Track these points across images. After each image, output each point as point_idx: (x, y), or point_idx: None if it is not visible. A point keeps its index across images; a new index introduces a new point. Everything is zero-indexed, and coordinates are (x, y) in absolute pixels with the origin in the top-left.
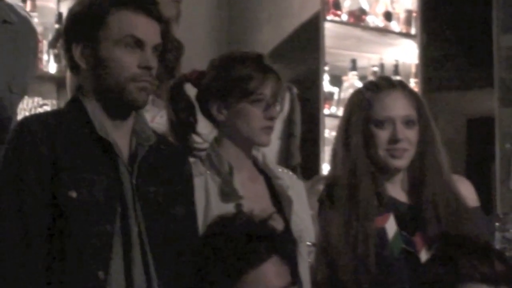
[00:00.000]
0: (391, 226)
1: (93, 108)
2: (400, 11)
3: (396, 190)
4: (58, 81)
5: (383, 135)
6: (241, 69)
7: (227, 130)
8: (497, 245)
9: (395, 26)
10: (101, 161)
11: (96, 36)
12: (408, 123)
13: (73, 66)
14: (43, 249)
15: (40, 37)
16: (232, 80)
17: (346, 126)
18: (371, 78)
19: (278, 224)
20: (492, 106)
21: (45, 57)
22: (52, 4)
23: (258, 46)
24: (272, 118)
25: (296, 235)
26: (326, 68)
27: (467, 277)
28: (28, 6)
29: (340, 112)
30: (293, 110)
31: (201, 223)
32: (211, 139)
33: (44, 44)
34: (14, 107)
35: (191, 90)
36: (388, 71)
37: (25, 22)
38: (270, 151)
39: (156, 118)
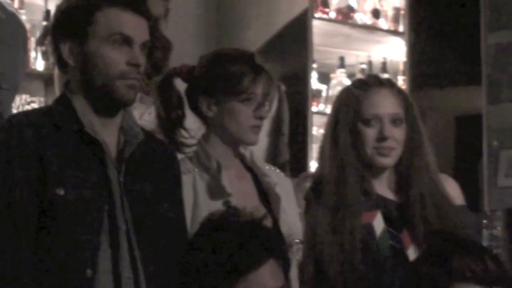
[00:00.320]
0: (378, 223)
1: (81, 106)
2: (388, 9)
3: (383, 188)
4: (46, 79)
5: (370, 133)
6: (233, 67)
7: (216, 127)
8: (485, 242)
9: (383, 23)
10: (89, 158)
11: (84, 34)
12: (395, 121)
13: (61, 64)
14: (30, 247)
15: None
16: (224, 78)
17: (334, 124)
18: (359, 75)
19: (267, 222)
20: (479, 104)
21: (32, 54)
22: (40, 1)
23: (246, 43)
24: (261, 118)
25: (284, 232)
26: (314, 65)
27: (459, 276)
28: (16, 3)
29: (328, 109)
30: (281, 108)
31: (189, 221)
32: (199, 135)
33: (32, 42)
34: (5, 103)
35: (180, 85)
36: (376, 69)
37: (13, 18)
38: (258, 149)
39: (144, 115)
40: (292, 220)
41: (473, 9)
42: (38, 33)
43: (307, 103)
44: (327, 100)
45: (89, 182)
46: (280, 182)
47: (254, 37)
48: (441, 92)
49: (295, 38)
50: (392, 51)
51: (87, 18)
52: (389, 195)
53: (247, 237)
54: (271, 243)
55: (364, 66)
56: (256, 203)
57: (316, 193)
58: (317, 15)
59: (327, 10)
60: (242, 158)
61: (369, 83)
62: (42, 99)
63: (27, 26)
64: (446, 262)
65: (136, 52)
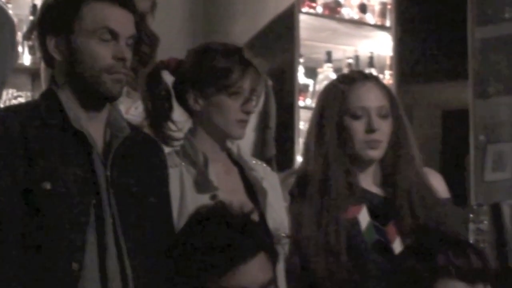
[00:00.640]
0: (363, 217)
1: (68, 100)
2: (375, 3)
3: (368, 182)
4: (32, 73)
5: (358, 126)
6: (221, 61)
7: (203, 121)
8: (471, 236)
9: (370, 18)
10: (75, 152)
11: (70, 28)
12: (382, 114)
13: (48, 58)
14: (17, 241)
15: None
16: (211, 71)
17: (319, 118)
18: (346, 70)
19: (254, 216)
20: (466, 98)
21: (19, 49)
22: None
23: (233, 38)
24: (248, 112)
25: (271, 226)
26: (301, 60)
27: (443, 273)
28: None
29: None
30: (268, 102)
31: (176, 215)
32: (186, 129)
33: (19, 36)
34: None
35: (168, 78)
36: (363, 63)
37: (1, 12)
38: (245, 143)
39: (131, 109)
40: (279, 214)
41: (460, 3)
42: (25, 28)
43: (294, 97)
44: (314, 94)
45: (76, 176)
46: (266, 176)
47: (241, 31)
48: (428, 87)
49: (282, 32)
50: (379, 46)
51: (73, 12)
52: (374, 189)
53: (237, 230)
54: (261, 237)
55: (351, 60)
56: (243, 197)
57: (300, 188)
58: (304, 9)
59: (314, 4)
60: (229, 152)
61: (354, 77)
62: (29, 93)
63: (14, 20)
64: (430, 258)
65: (122, 47)
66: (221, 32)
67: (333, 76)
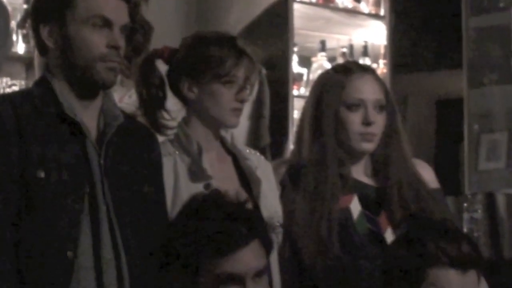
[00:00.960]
0: (355, 206)
1: (61, 88)
2: None
3: (360, 173)
4: (26, 62)
5: (355, 118)
6: (215, 50)
7: (196, 109)
8: (465, 226)
9: (364, 7)
10: (69, 141)
11: (64, 16)
12: (378, 107)
13: (41, 46)
14: (11, 230)
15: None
16: (206, 60)
17: (315, 108)
18: (340, 59)
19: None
20: (460, 87)
21: (13, 37)
22: None
23: (227, 27)
24: (242, 101)
25: (265, 215)
26: (295, 49)
27: (434, 260)
28: None
29: None
30: (262, 91)
31: (169, 203)
32: (180, 117)
33: (13, 25)
34: None
35: (161, 67)
36: (357, 52)
37: None
38: (239, 132)
39: (125, 98)
40: (272, 203)
41: None
42: (19, 16)
43: (288, 86)
44: (308, 83)
45: (70, 165)
46: (260, 165)
47: (235, 20)
48: (422, 76)
49: (276, 21)
50: (373, 35)
51: (67, 1)
52: (365, 179)
53: (233, 217)
54: (255, 225)
55: (345, 49)
56: (236, 186)
57: (292, 177)
58: None
59: None
60: (222, 141)
61: (351, 68)
62: (23, 82)
63: (8, 9)
64: (422, 246)
65: (116, 35)
66: (215, 21)
67: (327, 65)
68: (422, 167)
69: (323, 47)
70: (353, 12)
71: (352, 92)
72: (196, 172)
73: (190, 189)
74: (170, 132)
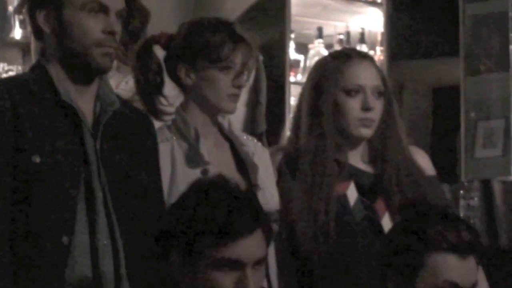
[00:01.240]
0: (352, 193)
1: (57, 73)
2: None
3: (356, 159)
4: (23, 47)
5: (353, 103)
6: (213, 35)
7: (194, 95)
8: (462, 213)
9: None
10: (65, 126)
11: (60, 1)
12: (377, 93)
13: (37, 31)
14: (7, 215)
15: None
16: (203, 46)
17: (313, 94)
18: (337, 46)
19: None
20: (457, 75)
21: (11, 22)
22: None
23: (224, 13)
24: (240, 87)
25: (262, 202)
26: (292, 35)
27: (434, 246)
28: None
29: None
30: (259, 78)
31: (166, 189)
32: (177, 103)
33: (10, 10)
34: None
35: (159, 52)
36: (354, 39)
37: None
38: (236, 118)
39: (121, 84)
40: (269, 190)
41: None
42: (16, 2)
43: (285, 73)
44: (305, 70)
45: (65, 150)
46: (257, 152)
47: (232, 6)
48: (419, 63)
49: (273, 8)
50: (370, 22)
51: None
52: (362, 166)
53: (242, 205)
54: (261, 214)
55: (342, 36)
56: (233, 172)
57: (290, 164)
58: None
59: None
60: (220, 127)
61: (349, 54)
62: (19, 67)
63: None
64: (421, 232)
65: (112, 20)
66: (212, 8)
67: (324, 52)
68: (418, 154)
69: (320, 34)
70: None
71: (351, 78)
72: (194, 158)
73: (187, 174)
74: (167, 117)
